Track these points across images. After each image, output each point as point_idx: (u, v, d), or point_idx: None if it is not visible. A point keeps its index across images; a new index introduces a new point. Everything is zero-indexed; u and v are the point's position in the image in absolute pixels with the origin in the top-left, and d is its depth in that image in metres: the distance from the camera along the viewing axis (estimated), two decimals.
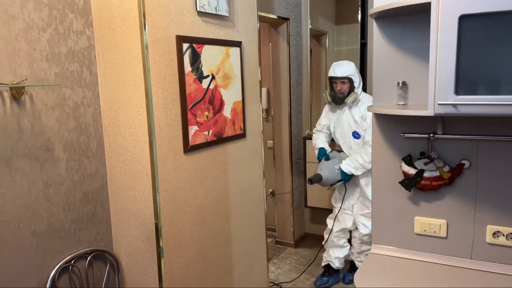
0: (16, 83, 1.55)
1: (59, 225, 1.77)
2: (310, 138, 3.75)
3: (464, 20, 1.20)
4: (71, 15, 1.76)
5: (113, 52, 1.83)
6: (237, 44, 2.32)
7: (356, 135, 3.02)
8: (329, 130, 3.23)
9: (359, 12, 3.85)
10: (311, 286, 3.25)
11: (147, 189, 1.86)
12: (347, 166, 2.98)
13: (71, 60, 1.77)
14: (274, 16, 3.53)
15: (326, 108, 3.23)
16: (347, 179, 3.04)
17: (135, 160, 1.87)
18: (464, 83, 1.23)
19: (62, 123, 1.75)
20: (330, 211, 3.73)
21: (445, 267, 1.58)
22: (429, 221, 1.61)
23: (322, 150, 3.18)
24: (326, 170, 3.03)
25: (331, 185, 3.08)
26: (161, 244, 1.88)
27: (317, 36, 4.32)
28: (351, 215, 3.18)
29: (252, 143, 2.53)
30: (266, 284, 2.79)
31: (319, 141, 3.22)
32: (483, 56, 1.21)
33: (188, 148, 2.00)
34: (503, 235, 1.50)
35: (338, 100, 3.00)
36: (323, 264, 3.36)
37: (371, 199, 2.70)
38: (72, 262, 1.82)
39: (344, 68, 2.95)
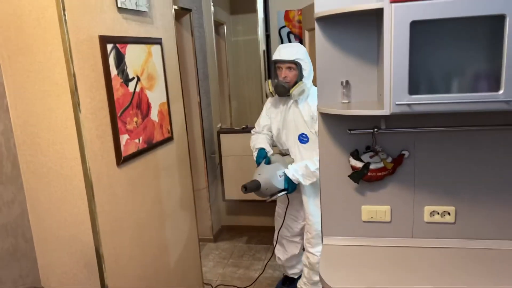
0: None
1: None
2: (223, 132, 3.74)
3: (415, 25, 1.29)
4: None
5: (25, 58, 1.55)
6: (158, 41, 2.16)
7: (303, 138, 2.45)
8: (271, 132, 2.67)
9: (257, 2, 3.89)
10: (240, 279, 3.28)
11: (82, 211, 1.65)
12: (294, 172, 2.41)
13: None
14: (176, 7, 3.37)
15: (268, 104, 2.67)
16: (291, 188, 2.45)
17: (64, 180, 1.64)
18: (416, 83, 1.33)
19: None
20: (249, 202, 3.78)
21: (390, 248, 1.73)
22: (375, 209, 1.74)
23: (261, 151, 2.57)
24: (266, 175, 2.42)
25: (271, 195, 2.47)
26: (104, 269, 1.70)
27: (215, 27, 4.26)
28: (299, 242, 2.79)
29: (179, 145, 2.41)
30: (201, 285, 2.74)
31: (259, 141, 2.65)
32: (432, 58, 1.33)
33: (122, 160, 1.82)
34: (438, 213, 1.69)
35: (282, 90, 2.40)
36: (283, 273, 3.05)
37: (313, 215, 2.45)
38: None
39: (292, 50, 2.37)
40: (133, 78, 1.92)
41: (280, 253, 2.91)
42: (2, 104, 1.58)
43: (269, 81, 2.49)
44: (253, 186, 2.39)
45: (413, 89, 1.33)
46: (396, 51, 1.30)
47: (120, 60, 1.81)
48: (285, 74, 2.40)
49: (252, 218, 4.05)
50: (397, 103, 1.33)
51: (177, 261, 2.38)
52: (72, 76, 1.53)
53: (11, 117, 1.61)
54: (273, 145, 2.71)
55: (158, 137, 2.14)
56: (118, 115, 1.80)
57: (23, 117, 1.61)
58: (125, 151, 1.85)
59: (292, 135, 2.51)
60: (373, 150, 1.67)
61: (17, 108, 1.60)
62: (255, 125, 2.76)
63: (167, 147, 2.25)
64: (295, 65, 2.37)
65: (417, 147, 1.65)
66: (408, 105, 1.33)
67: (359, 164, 1.67)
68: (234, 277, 3.31)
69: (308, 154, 2.46)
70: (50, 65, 1.54)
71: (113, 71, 1.77)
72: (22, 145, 1.64)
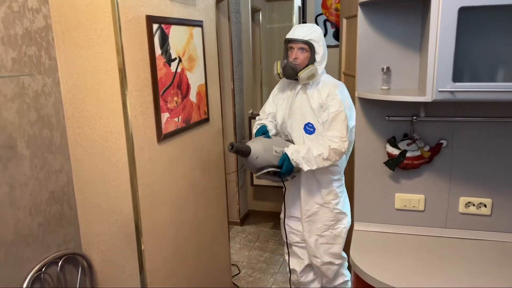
0: None
1: (27, 231, 1.57)
2: (255, 118, 3.77)
3: (463, 12, 1.28)
4: None
5: (77, 34, 1.63)
6: (199, 23, 2.21)
7: (309, 128, 2.22)
8: (275, 121, 2.41)
9: None
10: (265, 261, 3.34)
11: (124, 184, 1.73)
12: (295, 152, 2.14)
13: (28, 43, 1.54)
14: None
15: (275, 90, 2.45)
16: (285, 167, 2.15)
17: (108, 153, 1.71)
18: (461, 71, 1.33)
19: (23, 115, 1.53)
20: (276, 188, 3.82)
21: (422, 237, 1.73)
22: (409, 197, 1.74)
23: (263, 126, 2.37)
24: (259, 145, 2.16)
25: (260, 169, 2.17)
26: (142, 241, 1.78)
27: (251, 13, 4.28)
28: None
29: (215, 127, 2.47)
30: (228, 265, 2.81)
31: (263, 121, 2.45)
32: (478, 46, 1.32)
33: (162, 137, 1.88)
34: (473, 205, 1.68)
35: (290, 72, 2.16)
36: None
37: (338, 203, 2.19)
38: (43, 269, 1.63)
39: (307, 31, 2.13)
40: (175, 58, 1.97)
41: (295, 264, 2.57)
42: (54, 77, 1.66)
43: (278, 62, 2.25)
44: (243, 149, 2.12)
45: (457, 76, 1.32)
46: (442, 37, 1.30)
47: (164, 40, 1.86)
48: (295, 55, 2.16)
49: (278, 205, 4.08)
50: (440, 90, 1.33)
51: (208, 240, 2.44)
52: (120, 54, 1.59)
53: (61, 90, 1.70)
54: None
55: (195, 118, 2.20)
56: (161, 93, 1.86)
57: (72, 91, 1.69)
58: (165, 129, 1.92)
59: (297, 124, 2.26)
60: (411, 138, 1.67)
61: (67, 82, 1.69)
62: (260, 113, 2.50)
63: (203, 128, 2.31)
64: (308, 46, 2.13)
65: (455, 137, 1.64)
66: (451, 92, 1.33)
67: (395, 151, 1.67)
68: (260, 260, 3.37)
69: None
70: (100, 42, 1.61)
71: (157, 51, 1.82)
72: (70, 118, 1.72)
